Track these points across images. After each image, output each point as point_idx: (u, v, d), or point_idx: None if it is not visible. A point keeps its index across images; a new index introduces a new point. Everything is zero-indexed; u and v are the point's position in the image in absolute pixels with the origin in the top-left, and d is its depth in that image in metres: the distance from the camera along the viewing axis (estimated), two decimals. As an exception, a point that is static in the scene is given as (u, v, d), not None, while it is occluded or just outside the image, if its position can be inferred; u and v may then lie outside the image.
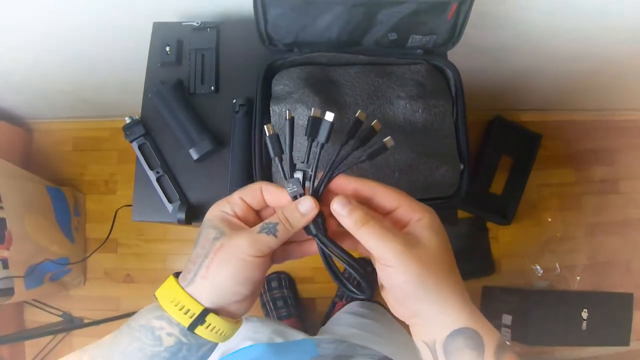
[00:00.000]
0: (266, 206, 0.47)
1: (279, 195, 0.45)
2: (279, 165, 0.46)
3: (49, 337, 1.64)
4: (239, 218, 0.45)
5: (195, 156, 0.90)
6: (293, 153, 0.46)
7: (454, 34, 0.89)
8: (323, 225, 0.44)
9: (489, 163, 1.88)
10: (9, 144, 1.76)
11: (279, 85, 0.88)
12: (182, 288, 0.42)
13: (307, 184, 0.45)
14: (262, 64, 0.89)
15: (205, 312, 0.41)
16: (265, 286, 1.74)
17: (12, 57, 1.33)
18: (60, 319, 1.62)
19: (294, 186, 0.44)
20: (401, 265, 0.40)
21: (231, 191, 0.86)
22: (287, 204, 0.44)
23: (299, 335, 0.91)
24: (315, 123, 0.46)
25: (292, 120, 0.47)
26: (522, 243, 1.87)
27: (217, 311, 0.42)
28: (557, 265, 1.85)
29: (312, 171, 0.44)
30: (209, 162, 0.93)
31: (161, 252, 1.81)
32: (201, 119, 0.94)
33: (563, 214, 1.90)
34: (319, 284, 1.78)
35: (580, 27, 1.20)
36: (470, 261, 1.78)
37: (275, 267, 1.78)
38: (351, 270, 0.44)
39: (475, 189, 1.84)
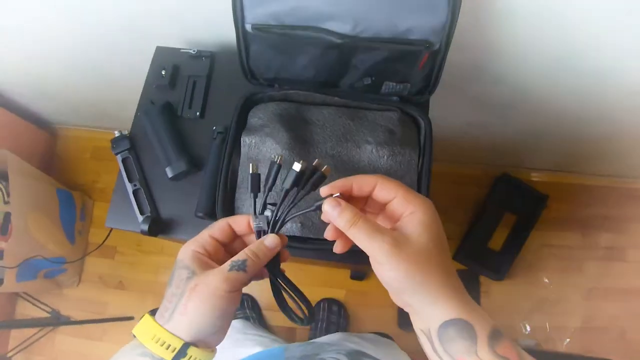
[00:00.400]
0: (234, 239, 0.52)
1: (247, 221, 0.50)
2: (254, 200, 0.50)
3: (33, 331, 1.70)
4: (209, 255, 0.49)
5: (170, 174, 0.95)
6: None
7: (429, 83, 0.92)
8: (276, 260, 0.50)
9: (490, 218, 1.86)
10: (31, 145, 1.86)
11: (254, 117, 0.93)
12: (161, 325, 0.45)
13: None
14: (241, 96, 0.93)
15: (186, 345, 0.44)
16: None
17: (47, 67, 1.44)
18: (48, 315, 1.68)
19: (261, 222, 0.49)
20: (389, 263, 0.42)
21: (196, 214, 0.91)
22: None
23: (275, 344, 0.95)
24: (290, 173, 0.49)
25: (279, 165, 0.51)
26: (514, 300, 1.83)
27: (196, 344, 0.45)
28: (547, 325, 1.80)
29: (276, 213, 0.49)
30: (184, 182, 0.98)
31: (155, 264, 1.86)
32: (183, 141, 0.99)
33: (561, 275, 1.85)
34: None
35: (580, 89, 1.20)
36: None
37: (263, 307, 1.81)
38: (297, 300, 0.50)
39: (472, 242, 1.83)
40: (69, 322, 1.70)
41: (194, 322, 0.44)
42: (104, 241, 1.52)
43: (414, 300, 0.44)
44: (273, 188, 0.51)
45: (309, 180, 0.49)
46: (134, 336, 0.47)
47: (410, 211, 0.45)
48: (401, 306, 0.47)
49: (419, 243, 0.43)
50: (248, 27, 0.84)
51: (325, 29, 0.82)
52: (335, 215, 0.44)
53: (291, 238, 0.85)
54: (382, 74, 0.91)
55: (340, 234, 0.47)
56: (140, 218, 0.95)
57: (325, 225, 0.49)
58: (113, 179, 1.90)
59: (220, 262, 0.47)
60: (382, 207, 0.48)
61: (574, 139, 1.54)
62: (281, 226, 0.50)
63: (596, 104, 1.27)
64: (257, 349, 0.94)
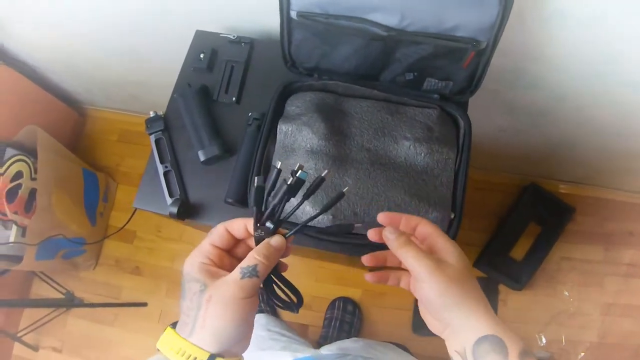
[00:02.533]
0: (236, 244, 0.52)
1: (244, 225, 0.50)
2: (255, 212, 0.50)
3: (46, 311, 1.70)
4: (215, 264, 0.49)
5: (202, 158, 0.94)
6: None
7: (471, 83, 0.91)
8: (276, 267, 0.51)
9: (514, 228, 1.84)
10: (61, 123, 1.88)
11: (292, 106, 0.92)
12: (186, 339, 0.45)
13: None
14: (280, 83, 0.93)
15: (212, 357, 0.44)
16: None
17: (77, 45, 1.45)
18: (62, 296, 1.68)
19: (262, 232, 0.49)
20: (432, 280, 0.47)
21: (226, 200, 0.90)
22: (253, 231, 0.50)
23: (304, 349, 0.97)
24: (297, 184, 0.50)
25: (278, 172, 0.51)
26: (531, 311, 1.80)
27: (221, 354, 0.45)
28: (562, 338, 1.77)
29: (279, 215, 0.50)
30: (215, 166, 0.97)
31: (173, 251, 1.87)
32: (217, 125, 0.99)
33: (581, 289, 1.82)
34: (315, 312, 1.78)
35: (624, 101, 1.17)
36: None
37: None
38: (288, 292, 0.52)
39: (494, 250, 1.80)
40: (82, 304, 1.70)
41: (217, 334, 0.44)
42: (125, 224, 1.52)
43: (452, 317, 0.47)
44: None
45: (312, 184, 0.51)
46: (158, 350, 0.46)
47: (443, 242, 0.51)
48: (437, 331, 0.51)
49: (456, 267, 0.49)
50: (293, 14, 0.84)
51: (371, 21, 0.81)
52: (393, 238, 0.50)
53: (321, 230, 0.84)
54: (425, 70, 0.89)
55: (380, 239, 0.52)
56: (169, 200, 0.95)
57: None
58: (137, 163, 1.96)
59: (227, 268, 0.48)
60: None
61: (609, 152, 1.51)
62: (279, 225, 0.50)
63: (632, 117, 1.24)
64: (284, 355, 0.94)
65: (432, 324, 0.51)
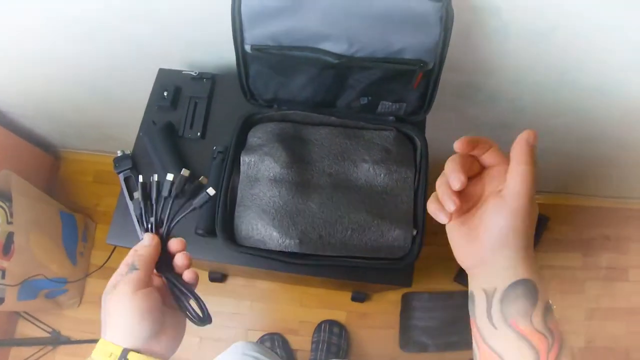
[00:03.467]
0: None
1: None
2: (138, 221, 0.60)
3: (33, 350, 1.69)
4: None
5: (170, 193, 0.96)
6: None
7: (424, 103, 0.94)
8: (167, 262, 0.57)
9: (491, 240, 1.86)
10: (36, 168, 1.89)
11: (253, 137, 0.95)
12: (102, 338, 0.50)
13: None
14: (240, 116, 0.96)
15: (125, 351, 0.48)
16: None
17: (50, 88, 1.46)
18: (48, 335, 1.67)
19: (142, 234, 0.58)
20: (519, 209, 0.44)
21: (196, 231, 0.92)
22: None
23: None
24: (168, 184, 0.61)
25: (144, 185, 0.60)
26: (516, 322, 1.81)
27: (138, 349, 0.49)
28: (550, 346, 1.78)
29: (153, 220, 0.59)
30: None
31: (156, 285, 1.86)
32: (184, 160, 1.01)
33: (563, 296, 1.85)
34: (302, 336, 1.78)
35: (584, 107, 1.19)
36: (461, 333, 1.74)
37: (270, 328, 1.80)
38: (192, 298, 0.56)
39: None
40: (68, 341, 1.69)
41: (123, 329, 0.49)
42: (105, 262, 1.54)
43: (502, 253, 0.45)
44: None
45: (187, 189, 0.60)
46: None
47: (515, 177, 0.45)
48: (467, 265, 0.49)
49: (532, 205, 0.45)
50: (247, 47, 0.87)
51: (322, 49, 0.85)
52: (526, 148, 0.45)
53: (291, 254, 0.86)
54: (378, 94, 0.93)
55: (470, 149, 0.49)
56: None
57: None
58: (115, 202, 1.95)
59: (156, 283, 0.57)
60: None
61: (575, 159, 1.55)
62: (169, 230, 0.59)
63: (598, 122, 1.27)
64: None
65: (465, 255, 0.49)
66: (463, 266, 0.50)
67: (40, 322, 1.71)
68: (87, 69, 1.31)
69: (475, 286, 0.48)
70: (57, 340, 1.69)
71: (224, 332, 1.79)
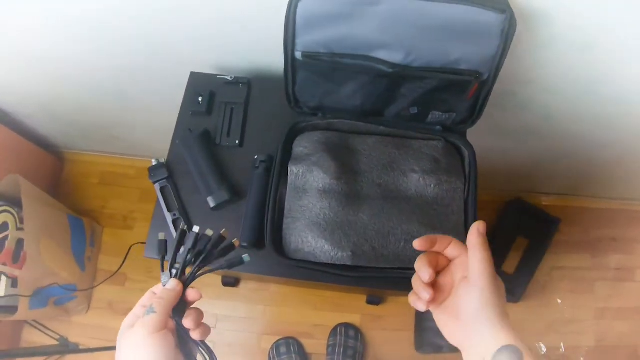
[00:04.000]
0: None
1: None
2: (161, 262, 0.62)
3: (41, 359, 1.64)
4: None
5: (212, 204, 0.93)
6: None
7: (473, 113, 0.93)
8: (182, 311, 0.57)
9: (503, 243, 1.88)
10: (39, 170, 1.83)
11: (300, 147, 0.92)
12: None
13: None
14: (286, 125, 0.93)
15: None
16: (275, 351, 1.74)
17: (57, 89, 1.41)
18: (56, 342, 1.63)
19: (166, 278, 0.58)
20: (485, 288, 0.50)
21: (241, 244, 0.89)
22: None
23: None
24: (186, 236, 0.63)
25: (182, 232, 0.63)
26: (528, 321, 1.84)
27: None
28: (561, 344, 1.81)
29: (180, 269, 0.59)
30: (224, 211, 0.96)
31: (167, 290, 1.82)
32: (222, 169, 0.98)
33: (573, 296, 1.87)
34: (318, 340, 1.77)
35: (603, 114, 1.22)
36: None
37: (284, 333, 1.78)
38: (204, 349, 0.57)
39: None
40: (77, 350, 1.65)
41: None
42: (119, 269, 1.50)
43: (482, 328, 0.50)
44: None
45: (218, 247, 0.62)
46: None
47: (477, 262, 0.53)
48: (457, 342, 0.54)
49: (495, 283, 0.52)
50: (298, 54, 0.84)
51: (376, 58, 0.83)
52: (477, 235, 0.54)
53: (342, 267, 0.84)
54: (429, 103, 0.91)
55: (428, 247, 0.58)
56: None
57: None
58: (122, 205, 1.93)
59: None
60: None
61: (588, 162, 1.57)
62: (192, 280, 0.59)
63: (612, 128, 1.30)
64: None
65: (453, 334, 0.54)
66: (454, 344, 0.54)
67: (47, 329, 1.66)
68: (93, 69, 1.27)
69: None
70: (66, 348, 1.64)
71: (238, 336, 1.77)
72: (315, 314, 1.80)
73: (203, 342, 0.57)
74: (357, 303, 1.80)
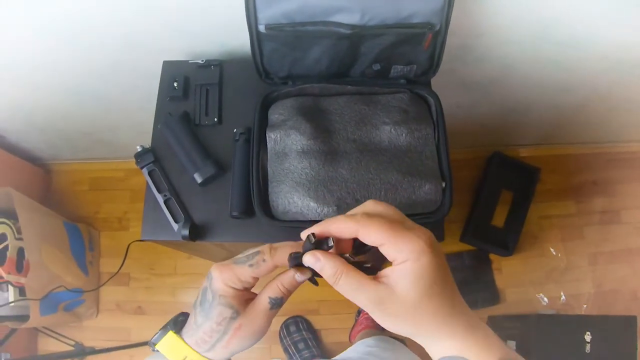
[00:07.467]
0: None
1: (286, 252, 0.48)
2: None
3: (60, 365, 1.69)
4: (247, 290, 0.49)
5: (199, 180, 0.98)
6: None
7: (432, 63, 0.98)
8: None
9: (489, 197, 1.94)
10: (29, 184, 1.86)
11: (275, 114, 0.97)
12: (199, 353, 0.48)
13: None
14: (259, 96, 0.98)
15: None
16: (285, 331, 1.79)
17: (37, 97, 1.45)
18: (72, 348, 1.67)
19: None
20: (375, 316, 0.43)
21: (232, 214, 0.94)
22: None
23: None
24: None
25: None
26: (526, 273, 1.89)
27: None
28: (562, 293, 1.86)
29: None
30: (212, 186, 1.01)
31: (171, 285, 1.87)
32: (205, 147, 1.03)
33: (565, 244, 1.92)
34: (323, 315, 1.83)
35: (559, 58, 1.28)
36: (474, 292, 1.81)
37: (292, 312, 1.84)
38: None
39: (476, 222, 1.89)
40: (94, 351, 1.69)
41: (233, 352, 0.49)
42: (119, 268, 1.54)
43: (416, 340, 0.45)
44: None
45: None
46: (157, 350, 0.50)
47: (400, 260, 0.41)
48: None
49: (406, 298, 0.41)
50: (261, 27, 0.89)
51: (335, 22, 0.88)
52: (318, 269, 0.44)
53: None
54: (390, 59, 0.96)
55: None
56: (175, 226, 0.98)
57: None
58: (114, 207, 1.97)
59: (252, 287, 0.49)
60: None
61: (555, 109, 1.63)
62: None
63: (574, 71, 1.36)
64: None
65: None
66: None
67: (61, 335, 1.70)
68: (71, 74, 1.31)
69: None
70: (83, 352, 1.68)
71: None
72: (318, 289, 1.83)
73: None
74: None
